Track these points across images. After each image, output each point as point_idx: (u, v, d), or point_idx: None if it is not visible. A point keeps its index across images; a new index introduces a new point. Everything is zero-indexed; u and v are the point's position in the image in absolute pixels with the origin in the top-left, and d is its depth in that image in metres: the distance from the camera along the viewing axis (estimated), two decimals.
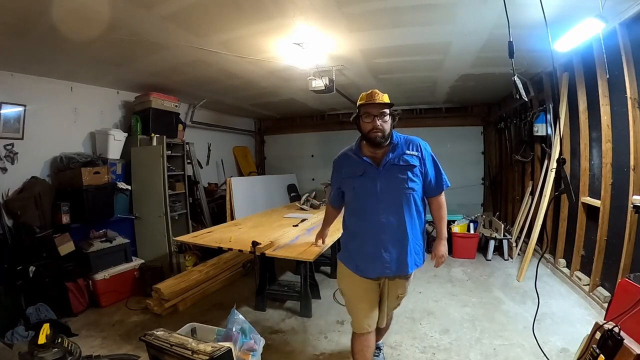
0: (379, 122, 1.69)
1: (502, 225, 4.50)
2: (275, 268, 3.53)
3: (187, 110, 5.30)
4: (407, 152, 1.77)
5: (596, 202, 2.95)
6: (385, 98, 1.72)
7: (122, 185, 3.85)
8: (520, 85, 1.87)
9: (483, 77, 4.06)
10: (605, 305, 2.55)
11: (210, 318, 2.88)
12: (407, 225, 1.74)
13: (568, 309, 2.90)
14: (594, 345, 1.66)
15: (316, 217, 3.64)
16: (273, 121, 7.47)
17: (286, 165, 7.26)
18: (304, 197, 4.39)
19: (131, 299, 3.32)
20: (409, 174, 1.74)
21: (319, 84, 3.51)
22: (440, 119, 6.27)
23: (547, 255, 3.94)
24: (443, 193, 1.88)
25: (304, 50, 2.97)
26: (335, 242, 3.28)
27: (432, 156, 1.82)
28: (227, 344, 1.80)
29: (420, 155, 1.78)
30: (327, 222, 2.32)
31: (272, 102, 5.58)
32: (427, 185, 1.81)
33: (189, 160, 4.66)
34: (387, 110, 1.72)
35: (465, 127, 6.24)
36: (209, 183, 5.63)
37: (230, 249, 2.68)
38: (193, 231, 3.85)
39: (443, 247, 1.91)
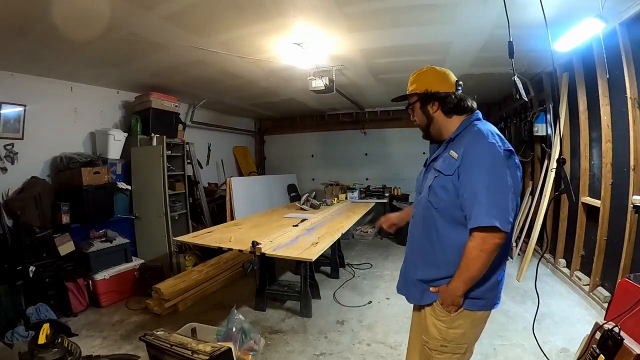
0: (412, 117, 1.39)
1: None
2: (275, 268, 3.53)
3: (187, 110, 5.30)
4: (451, 151, 1.26)
5: (596, 202, 2.95)
6: (414, 83, 1.36)
7: (122, 185, 3.85)
8: (520, 85, 1.87)
9: (483, 77, 4.06)
10: (605, 305, 2.55)
11: (210, 318, 2.88)
12: (422, 246, 1.35)
13: (568, 309, 2.90)
14: (594, 345, 1.66)
15: (316, 217, 3.64)
16: (273, 121, 7.47)
17: (286, 165, 7.27)
18: (304, 197, 4.39)
19: (131, 299, 3.32)
20: (435, 182, 1.28)
21: (319, 84, 3.51)
22: None
23: (547, 255, 3.94)
24: (476, 235, 1.16)
25: (304, 50, 2.97)
26: (335, 242, 3.28)
27: (478, 166, 1.17)
28: (227, 344, 1.80)
29: (460, 160, 1.21)
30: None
31: (272, 102, 5.58)
32: (463, 209, 1.21)
33: (189, 160, 4.66)
34: (413, 101, 1.37)
35: None
36: (209, 183, 5.63)
37: (230, 249, 2.67)
38: (193, 231, 3.85)
39: (444, 295, 1.28)
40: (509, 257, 4.18)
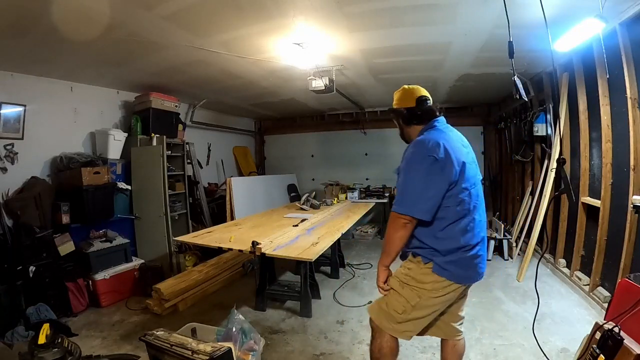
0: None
1: (502, 225, 4.51)
2: (275, 268, 3.53)
3: (187, 110, 5.30)
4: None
5: (596, 202, 2.95)
6: (396, 99, 1.74)
7: (122, 185, 3.85)
8: (520, 85, 1.87)
9: (483, 77, 4.06)
10: (605, 305, 2.55)
11: (210, 318, 2.88)
12: None
13: (568, 309, 2.90)
14: (594, 345, 1.66)
15: (316, 217, 3.64)
16: (273, 121, 7.47)
17: (286, 165, 7.26)
18: (304, 197, 4.39)
19: (131, 299, 3.32)
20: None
21: (319, 84, 3.51)
22: None
23: (547, 255, 3.94)
24: (391, 215, 1.52)
25: (304, 50, 2.97)
26: (335, 242, 3.28)
27: (407, 164, 1.53)
28: (227, 344, 1.80)
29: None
30: None
31: (272, 102, 5.58)
32: None
33: (189, 160, 4.66)
34: (393, 115, 1.78)
35: (465, 127, 6.20)
36: (209, 183, 5.63)
37: (230, 249, 2.67)
38: (193, 231, 3.85)
39: (378, 274, 1.65)
40: (508, 257, 4.24)
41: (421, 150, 1.49)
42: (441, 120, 1.68)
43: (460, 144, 1.59)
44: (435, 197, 1.46)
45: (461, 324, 1.78)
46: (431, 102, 1.71)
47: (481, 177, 1.68)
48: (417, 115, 1.67)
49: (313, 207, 4.23)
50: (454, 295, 1.58)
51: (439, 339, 2.03)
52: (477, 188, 1.58)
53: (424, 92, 1.72)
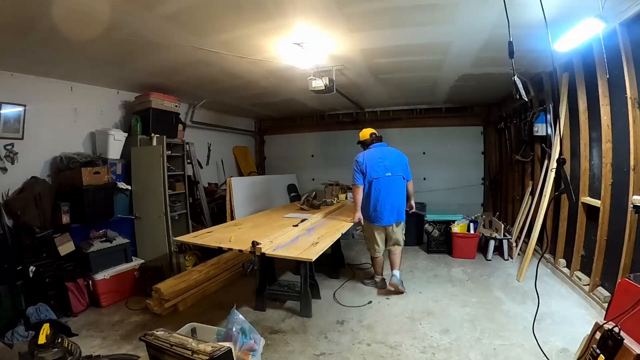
0: None
1: (502, 225, 4.50)
2: (275, 268, 3.53)
3: (187, 110, 5.30)
4: None
5: (596, 202, 2.95)
6: (360, 134, 3.60)
7: (122, 185, 3.85)
8: (520, 85, 1.87)
9: (483, 77, 4.06)
10: (605, 305, 2.55)
11: (210, 318, 2.88)
12: None
13: (568, 309, 2.90)
14: (594, 345, 1.66)
15: (316, 217, 3.64)
16: (273, 121, 7.47)
17: (286, 165, 7.27)
18: (304, 197, 4.39)
19: (131, 299, 3.33)
20: None
21: (319, 84, 3.51)
22: (440, 119, 6.27)
23: (547, 255, 3.94)
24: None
25: (304, 50, 2.97)
26: (335, 242, 3.29)
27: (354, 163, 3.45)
28: (227, 344, 1.80)
29: None
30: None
31: (272, 102, 5.58)
32: None
33: (189, 160, 4.66)
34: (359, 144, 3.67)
35: (465, 127, 6.23)
36: (209, 183, 5.63)
37: (230, 249, 2.68)
38: (193, 231, 3.85)
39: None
40: (508, 257, 4.25)
41: (355, 159, 3.39)
42: (375, 144, 3.45)
43: (377, 157, 3.35)
44: (359, 174, 3.33)
45: (394, 244, 3.49)
46: (377, 135, 3.50)
47: (400, 174, 3.37)
48: (365, 144, 3.52)
49: (313, 207, 4.23)
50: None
51: (438, 340, 2.37)
52: (384, 179, 3.31)
53: (373, 131, 3.53)
